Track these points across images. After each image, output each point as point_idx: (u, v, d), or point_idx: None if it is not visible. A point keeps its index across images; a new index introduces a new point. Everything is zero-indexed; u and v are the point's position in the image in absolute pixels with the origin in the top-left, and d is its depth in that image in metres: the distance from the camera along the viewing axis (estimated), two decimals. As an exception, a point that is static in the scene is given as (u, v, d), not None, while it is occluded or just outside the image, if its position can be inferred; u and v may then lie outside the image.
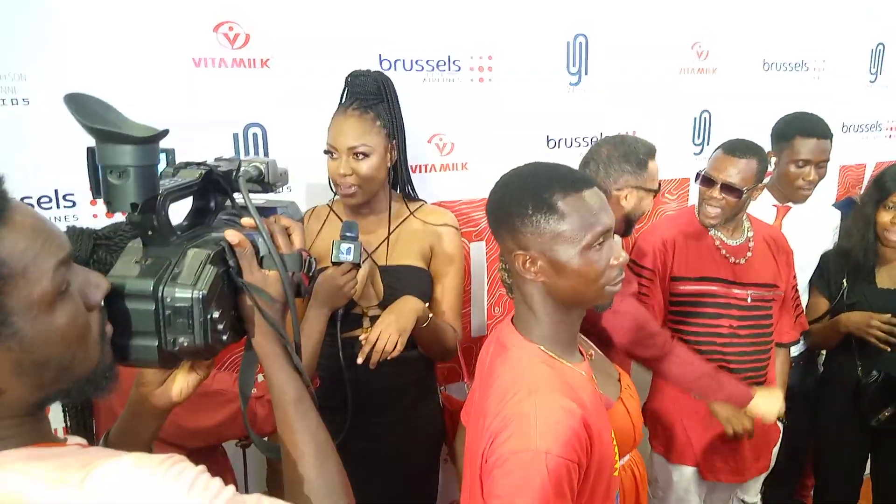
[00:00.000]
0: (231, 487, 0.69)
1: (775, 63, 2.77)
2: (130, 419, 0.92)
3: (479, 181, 2.18)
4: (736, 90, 2.66)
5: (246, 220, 0.89)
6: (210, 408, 1.27)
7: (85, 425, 1.26)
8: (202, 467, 0.69)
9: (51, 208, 1.70)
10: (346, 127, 1.66)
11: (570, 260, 1.10)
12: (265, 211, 0.94)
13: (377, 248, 1.75)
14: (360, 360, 1.55)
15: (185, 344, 0.79)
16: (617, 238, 1.36)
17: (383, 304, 1.68)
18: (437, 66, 2.11)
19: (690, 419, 2.06)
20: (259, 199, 0.97)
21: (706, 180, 1.96)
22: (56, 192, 1.71)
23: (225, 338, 0.82)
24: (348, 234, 1.55)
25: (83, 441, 0.76)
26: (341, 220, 1.72)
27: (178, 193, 0.86)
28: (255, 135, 1.91)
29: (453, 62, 2.13)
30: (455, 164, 2.19)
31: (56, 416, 0.96)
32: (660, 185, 1.86)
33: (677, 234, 2.05)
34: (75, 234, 1.24)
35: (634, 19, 2.41)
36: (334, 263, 1.55)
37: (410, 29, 2.05)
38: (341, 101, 1.74)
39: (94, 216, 1.73)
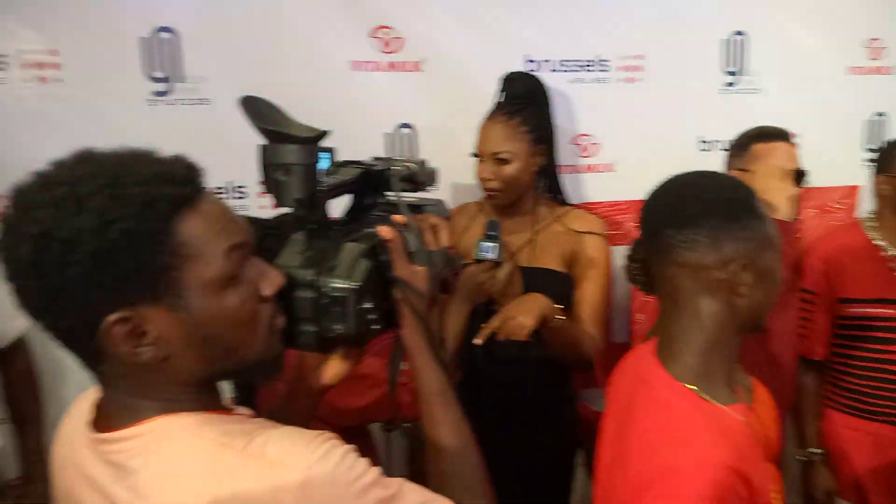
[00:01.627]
0: (377, 469, 0.73)
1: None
2: (289, 398, 1.00)
3: (625, 183, 2.13)
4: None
5: (398, 217, 0.93)
6: (359, 390, 1.34)
7: (249, 398, 1.37)
8: (352, 446, 0.73)
9: (224, 199, 1.87)
10: (491, 132, 1.70)
11: (776, 267, 1.00)
12: (415, 209, 0.99)
13: (520, 249, 1.76)
14: (477, 341, 1.51)
15: (340, 331, 0.84)
16: None
17: None
18: (586, 66, 2.09)
19: (855, 445, 1.90)
20: (410, 197, 1.01)
21: None
22: (230, 184, 1.87)
23: (376, 328, 0.86)
24: (491, 232, 1.59)
25: (249, 411, 0.83)
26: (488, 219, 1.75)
27: (336, 190, 0.92)
28: (405, 135, 1.99)
29: (602, 62, 2.10)
30: (601, 165, 2.16)
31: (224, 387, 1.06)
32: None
33: (842, 250, 1.89)
34: (247, 222, 1.36)
35: (801, 15, 2.25)
36: (476, 261, 1.58)
37: (558, 29, 2.04)
38: (496, 103, 1.77)
39: (260, 207, 1.88)
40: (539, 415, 1.78)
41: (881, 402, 1.85)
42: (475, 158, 1.73)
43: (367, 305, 0.84)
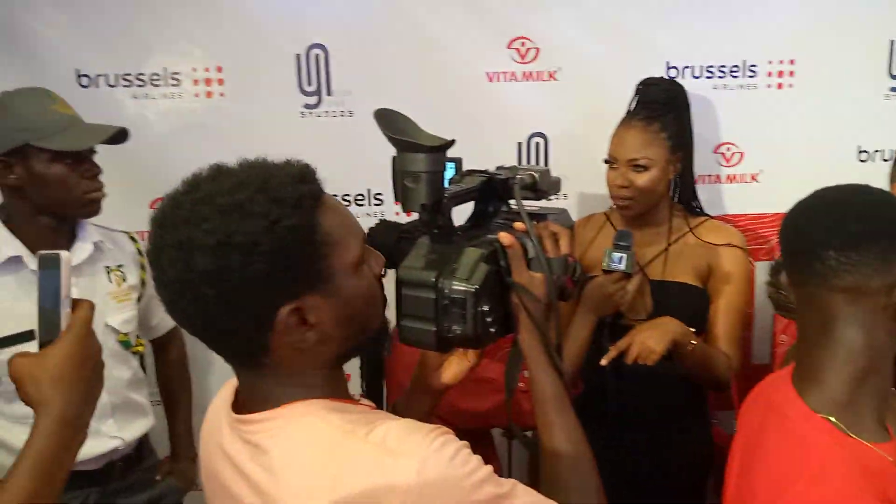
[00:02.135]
0: (489, 467, 0.74)
1: None
2: (411, 395, 1.06)
3: (770, 194, 2.01)
4: None
5: (518, 225, 0.94)
6: (482, 393, 1.37)
7: (377, 393, 1.45)
8: (465, 443, 0.75)
9: (364, 205, 1.98)
10: (628, 137, 1.65)
11: None
12: (537, 217, 1.00)
13: (651, 261, 1.70)
14: (603, 362, 1.50)
15: (458, 332, 0.87)
16: None
17: (652, 319, 1.64)
18: (731, 72, 2.00)
19: None
20: (533, 205, 1.03)
21: None
22: (369, 191, 1.99)
23: (493, 330, 0.89)
24: (621, 243, 1.55)
25: (372, 404, 0.88)
26: (616, 230, 1.72)
27: (460, 198, 0.96)
28: (537, 144, 2.00)
29: (749, 67, 2.00)
30: (744, 175, 2.05)
31: (354, 384, 1.13)
32: None
33: None
34: (386, 226, 1.45)
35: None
36: (605, 271, 1.55)
37: (701, 34, 1.98)
38: (629, 109, 1.74)
39: (396, 213, 1.97)
40: (669, 434, 1.72)
41: None
42: (606, 166, 1.69)
43: (485, 308, 0.87)
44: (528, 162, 2.00)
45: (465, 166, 1.06)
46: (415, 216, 1.09)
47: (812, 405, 0.93)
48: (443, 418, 1.34)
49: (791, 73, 2.01)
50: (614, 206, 1.77)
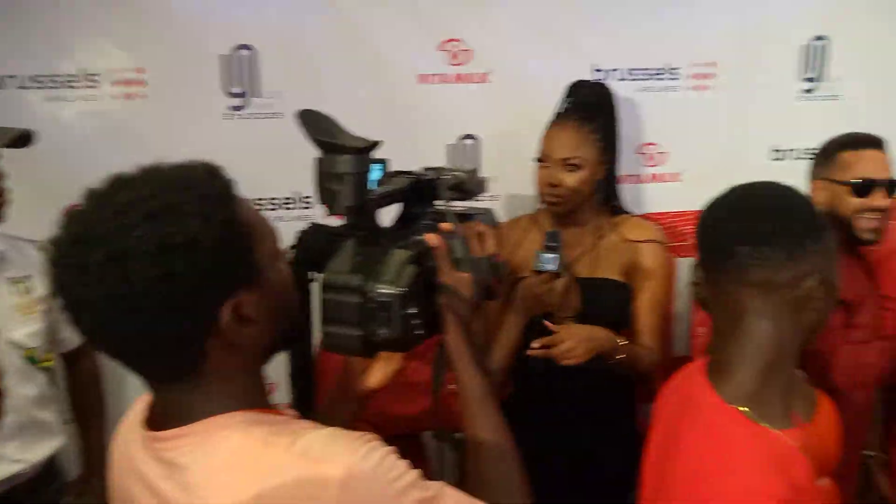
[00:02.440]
0: (416, 472, 0.74)
1: None
2: (334, 402, 1.04)
3: (692, 193, 2.07)
4: None
5: (444, 225, 0.95)
6: (412, 397, 1.36)
7: (308, 401, 1.42)
8: (392, 448, 0.74)
9: (293, 208, 1.95)
10: (562, 136, 1.68)
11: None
12: (463, 217, 1.00)
13: (578, 259, 1.74)
14: (529, 352, 1.52)
15: (385, 336, 0.86)
16: None
17: (580, 316, 1.67)
18: (654, 75, 2.06)
19: None
20: (459, 206, 1.03)
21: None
22: (296, 193, 1.95)
23: (420, 333, 0.88)
24: (550, 243, 1.57)
25: (296, 413, 0.87)
26: (545, 230, 1.75)
27: (387, 199, 0.96)
28: (468, 145, 2.02)
29: (671, 70, 2.07)
30: (667, 174, 2.12)
31: (284, 392, 1.11)
32: (868, 182, 1.58)
33: None
34: (318, 229, 1.40)
35: (888, 20, 2.15)
36: (536, 272, 1.57)
37: (627, 38, 2.03)
38: (559, 109, 1.76)
39: (325, 216, 1.94)
40: (597, 429, 1.76)
41: None
42: (536, 165, 1.72)
43: (412, 311, 0.86)
44: (460, 163, 2.01)
45: (398, 168, 1.05)
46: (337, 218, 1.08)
47: (725, 396, 0.95)
48: (372, 424, 1.33)
49: (711, 76, 2.08)
50: (542, 206, 1.79)
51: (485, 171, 2.00)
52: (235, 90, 1.89)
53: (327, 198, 0.88)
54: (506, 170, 1.96)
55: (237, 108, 1.89)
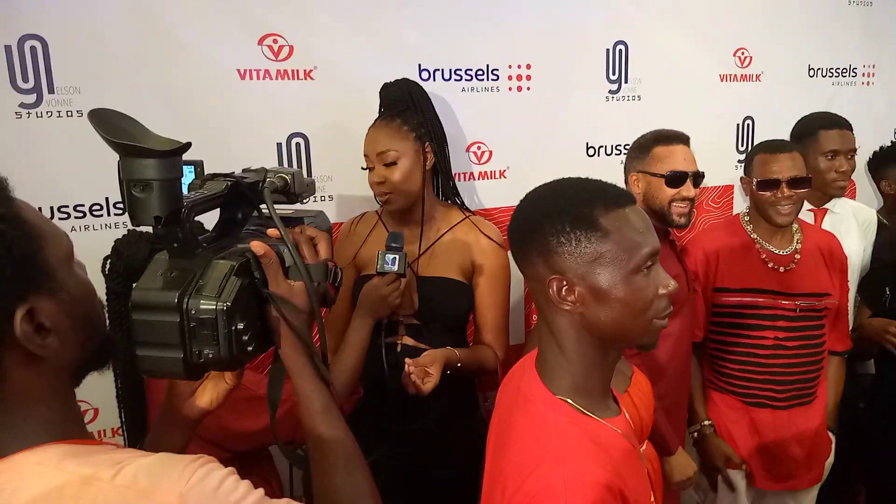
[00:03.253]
0: (260, 491, 0.71)
1: (821, 69, 2.71)
2: (162, 428, 0.94)
3: (517, 189, 2.17)
4: (780, 96, 2.61)
5: (272, 231, 0.89)
6: (255, 412, 1.29)
7: (140, 426, 1.29)
8: (231, 469, 0.70)
9: (102, 216, 1.76)
10: (375, 136, 1.70)
11: (613, 286, 0.93)
12: (291, 221, 0.95)
13: (417, 258, 1.75)
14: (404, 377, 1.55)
15: (211, 355, 0.80)
16: None
17: (419, 315, 1.69)
18: (476, 75, 2.12)
19: (735, 424, 2.03)
20: (287, 209, 0.98)
21: (768, 184, 1.92)
22: (107, 199, 1.77)
23: (251, 349, 0.83)
24: (394, 244, 1.57)
25: (116, 443, 0.79)
26: (387, 229, 1.74)
27: (203, 205, 0.87)
28: (297, 144, 1.95)
29: (492, 71, 2.14)
30: (493, 171, 2.20)
31: (111, 416, 0.99)
32: (680, 174, 1.79)
33: (720, 244, 2.02)
34: (135, 238, 1.24)
35: (675, 26, 2.39)
36: (379, 273, 1.57)
37: (448, 39, 2.07)
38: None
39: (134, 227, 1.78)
40: (447, 423, 1.77)
41: (753, 386, 1.99)
42: (367, 171, 1.72)
43: (240, 326, 0.80)
44: (291, 163, 1.94)
45: (223, 169, 0.96)
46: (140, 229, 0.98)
47: (551, 388, 0.98)
48: (214, 443, 1.24)
49: (528, 77, 2.19)
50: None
51: (317, 171, 1.96)
52: (24, 86, 1.67)
53: (134, 207, 0.77)
54: (339, 169, 1.93)
55: (28, 106, 1.66)
